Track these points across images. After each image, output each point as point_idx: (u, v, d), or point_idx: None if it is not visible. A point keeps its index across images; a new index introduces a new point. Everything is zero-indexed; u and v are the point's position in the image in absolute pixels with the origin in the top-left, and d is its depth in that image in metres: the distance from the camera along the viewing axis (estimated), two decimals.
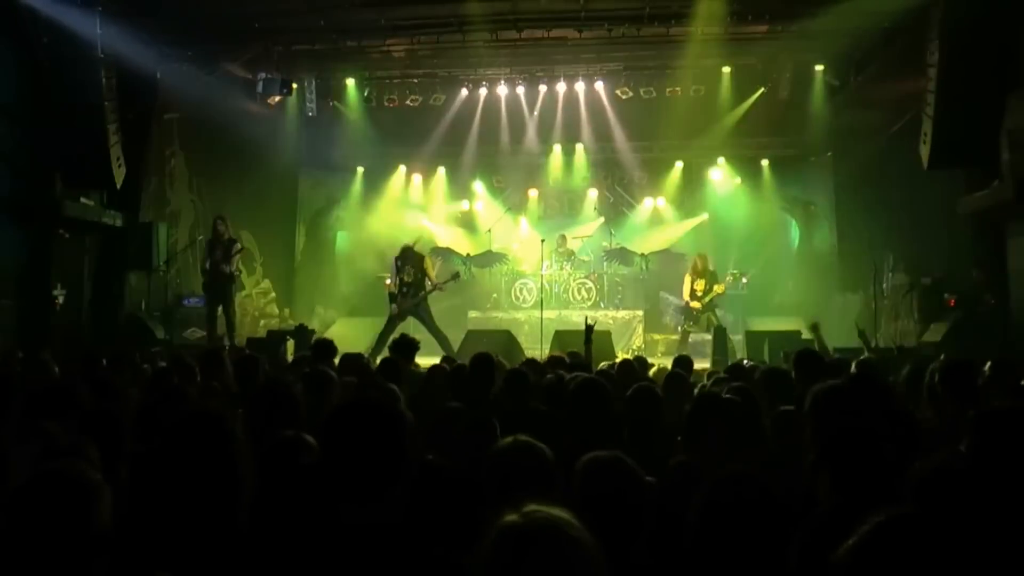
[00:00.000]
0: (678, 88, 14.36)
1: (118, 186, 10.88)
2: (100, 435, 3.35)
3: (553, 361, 6.69)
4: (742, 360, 8.93)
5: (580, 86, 15.16)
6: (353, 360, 6.77)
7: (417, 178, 17.25)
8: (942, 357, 7.07)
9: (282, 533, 2.35)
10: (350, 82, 15.19)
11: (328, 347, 7.05)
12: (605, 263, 15.69)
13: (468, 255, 15.91)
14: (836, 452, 2.90)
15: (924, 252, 12.05)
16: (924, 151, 10.02)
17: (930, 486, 2.47)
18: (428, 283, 12.00)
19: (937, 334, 10.16)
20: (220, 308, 12.00)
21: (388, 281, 12.87)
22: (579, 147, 16.66)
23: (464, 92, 15.40)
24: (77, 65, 10.17)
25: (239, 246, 12.35)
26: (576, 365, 6.49)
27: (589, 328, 7.50)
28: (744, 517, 2.23)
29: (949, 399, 4.33)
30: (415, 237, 13.36)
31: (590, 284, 15.10)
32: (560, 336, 10.95)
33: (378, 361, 7.39)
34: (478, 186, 17.26)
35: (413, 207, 17.22)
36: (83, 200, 10.96)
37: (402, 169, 17.20)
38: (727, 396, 4.28)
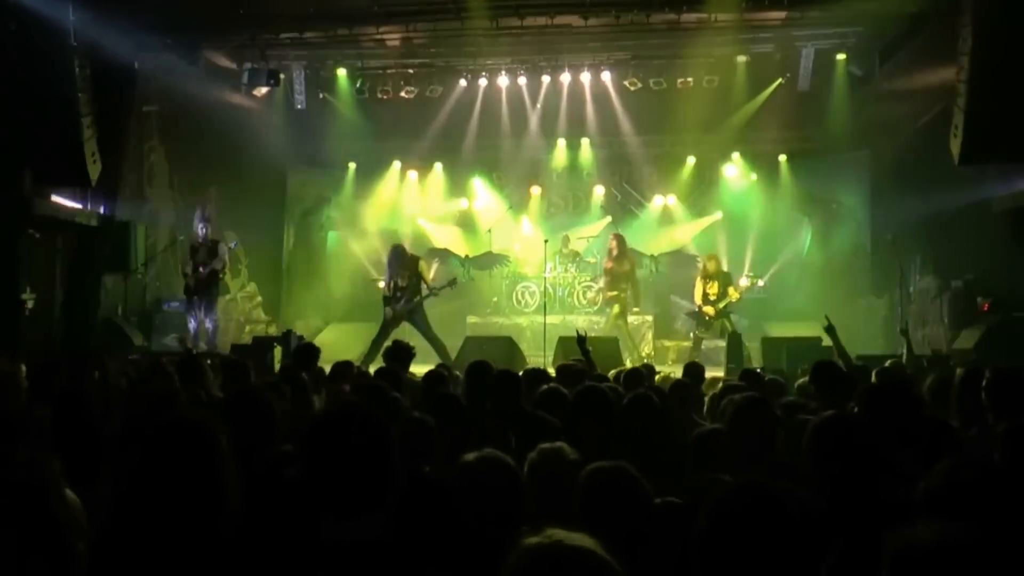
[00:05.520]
0: (690, 79, 14.29)
1: (93, 183, 10.84)
2: (72, 448, 3.38)
3: (563, 371, 6.63)
4: (757, 368, 8.85)
5: (585, 77, 15.11)
6: (344, 369, 6.72)
7: (413, 174, 17.20)
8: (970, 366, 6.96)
9: (264, 549, 2.37)
10: (341, 73, 15.14)
11: (311, 353, 7.05)
12: None
13: (467, 256, 15.87)
14: (841, 488, 2.93)
15: (954, 253, 11.97)
16: (955, 145, 9.88)
17: (945, 502, 2.39)
18: (423, 287, 11.90)
19: (970, 341, 10.09)
20: (202, 313, 11.96)
21: (381, 284, 12.81)
22: (584, 142, 16.63)
23: (463, 83, 15.36)
24: (48, 54, 10.07)
25: (226, 247, 12.30)
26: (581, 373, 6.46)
27: (582, 339, 7.55)
28: (755, 535, 2.12)
29: (993, 411, 4.27)
30: (408, 238, 13.22)
31: (596, 287, 14.98)
32: (564, 343, 10.90)
33: (371, 370, 7.33)
34: (477, 183, 17.22)
35: (408, 205, 17.16)
36: (55, 198, 10.86)
37: (396, 165, 17.14)
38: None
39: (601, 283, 14.31)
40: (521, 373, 5.78)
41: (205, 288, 12.00)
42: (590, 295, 14.93)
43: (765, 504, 2.18)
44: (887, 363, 7.56)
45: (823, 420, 3.24)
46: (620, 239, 13.31)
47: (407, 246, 12.77)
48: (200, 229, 12.22)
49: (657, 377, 7.44)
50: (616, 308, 13.31)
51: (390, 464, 2.28)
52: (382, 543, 2.16)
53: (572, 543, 1.65)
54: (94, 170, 10.70)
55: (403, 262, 11.99)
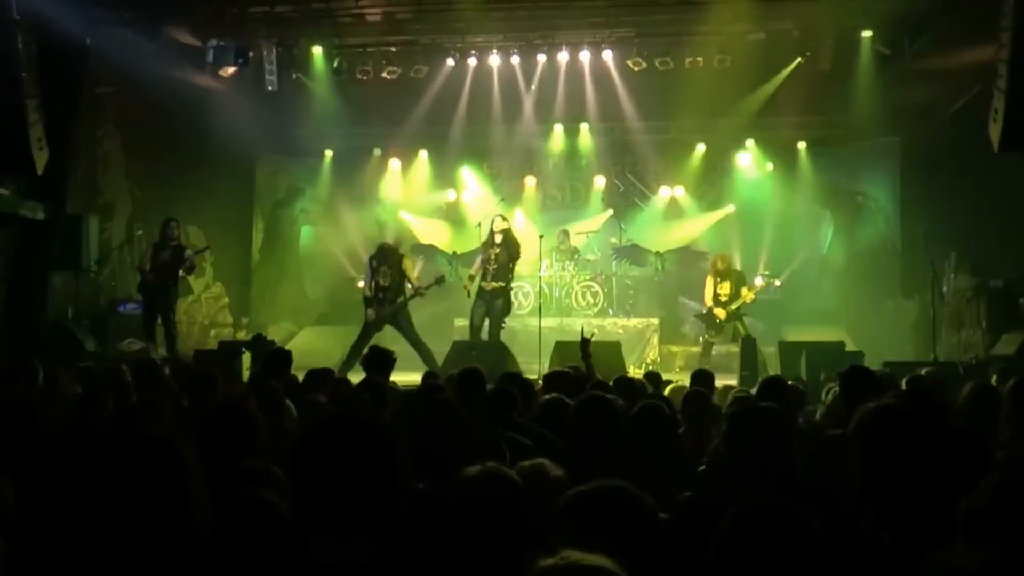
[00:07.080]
0: (700, 58, 14.21)
1: (39, 172, 10.72)
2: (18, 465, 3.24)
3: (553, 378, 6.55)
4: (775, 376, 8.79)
5: (585, 56, 15.03)
6: (321, 377, 6.73)
7: (395, 163, 17.14)
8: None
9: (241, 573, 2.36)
10: (317, 51, 15.04)
11: (282, 359, 7.02)
12: (614, 263, 15.69)
13: (454, 253, 15.78)
14: (885, 483, 2.93)
15: (993, 250, 12.01)
16: (994, 131, 9.88)
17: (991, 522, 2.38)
18: (408, 287, 11.81)
19: (1011, 346, 10.20)
20: (159, 315, 11.90)
21: (361, 284, 12.76)
22: (584, 127, 16.60)
23: (450, 63, 15.25)
24: None
25: (192, 252, 12.33)
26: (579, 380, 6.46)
27: (585, 341, 7.39)
28: (774, 557, 2.14)
29: None
30: (395, 236, 13.15)
31: (596, 287, 15.09)
32: (561, 348, 10.85)
33: (350, 377, 7.46)
34: (466, 173, 17.17)
35: (390, 197, 17.11)
36: None
37: (377, 153, 17.13)
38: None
39: (475, 270, 13.33)
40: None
41: (164, 287, 11.88)
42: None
43: (784, 523, 2.19)
44: (922, 371, 7.45)
45: (880, 407, 3.18)
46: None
47: (390, 242, 12.66)
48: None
49: (669, 388, 7.39)
50: (501, 303, 12.81)
51: (390, 477, 2.27)
52: (377, 566, 2.16)
53: (589, 565, 1.71)
54: (40, 158, 10.61)
55: (390, 262, 11.87)
